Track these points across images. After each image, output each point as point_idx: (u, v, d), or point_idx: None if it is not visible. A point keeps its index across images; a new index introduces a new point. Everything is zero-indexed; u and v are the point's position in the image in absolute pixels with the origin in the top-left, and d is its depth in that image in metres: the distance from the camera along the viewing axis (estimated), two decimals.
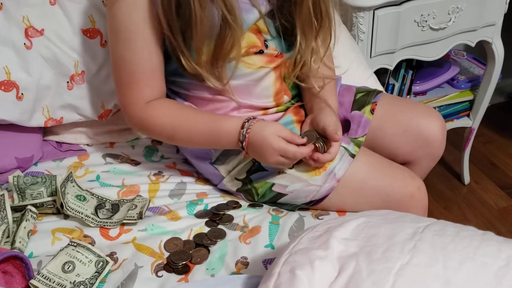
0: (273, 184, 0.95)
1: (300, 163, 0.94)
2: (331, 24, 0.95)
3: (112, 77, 0.95)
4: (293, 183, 0.94)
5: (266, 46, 0.93)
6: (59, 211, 0.91)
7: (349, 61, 1.22)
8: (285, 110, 1.01)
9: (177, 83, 0.97)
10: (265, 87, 0.97)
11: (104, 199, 0.93)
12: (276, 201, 0.98)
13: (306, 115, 1.01)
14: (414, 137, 1.04)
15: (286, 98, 1.01)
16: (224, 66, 0.88)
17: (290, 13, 0.91)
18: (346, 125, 1.02)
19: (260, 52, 0.92)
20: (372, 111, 1.02)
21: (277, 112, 1.00)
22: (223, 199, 0.99)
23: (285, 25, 0.92)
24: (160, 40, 0.88)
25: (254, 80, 0.95)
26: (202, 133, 0.91)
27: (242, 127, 0.88)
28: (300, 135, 0.97)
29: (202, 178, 1.06)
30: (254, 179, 0.96)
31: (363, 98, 1.04)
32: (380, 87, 1.20)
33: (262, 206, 0.98)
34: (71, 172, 0.93)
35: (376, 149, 1.04)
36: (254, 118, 0.89)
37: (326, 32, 0.95)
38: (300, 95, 1.04)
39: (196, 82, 0.93)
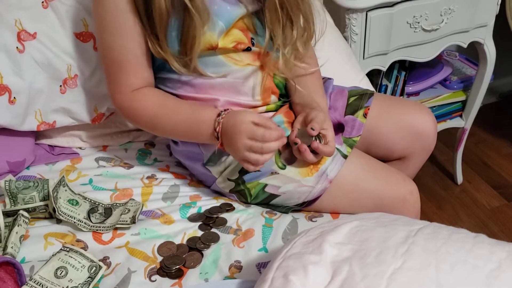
0: (265, 185, 0.95)
1: (293, 162, 0.94)
2: (307, 18, 0.95)
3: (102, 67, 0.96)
4: (286, 184, 0.94)
5: (253, 44, 0.94)
6: (52, 215, 0.91)
7: (341, 64, 1.22)
8: (276, 109, 1.01)
9: (162, 80, 0.97)
10: (252, 86, 0.97)
11: (96, 203, 0.93)
12: (269, 202, 0.98)
13: (295, 116, 1.00)
14: (409, 131, 1.07)
15: (273, 97, 1.01)
16: (193, 59, 0.89)
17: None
18: (340, 128, 1.02)
19: (248, 49, 0.93)
20: (365, 115, 1.03)
21: (267, 111, 1.00)
22: (216, 202, 0.99)
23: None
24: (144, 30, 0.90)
25: (242, 77, 0.95)
26: (183, 123, 0.91)
27: (218, 115, 0.88)
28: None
29: (195, 181, 1.06)
30: (247, 180, 0.96)
31: (355, 103, 1.05)
32: (372, 90, 1.20)
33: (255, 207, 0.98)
34: (63, 176, 0.92)
35: (372, 147, 1.07)
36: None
37: (300, 25, 0.95)
38: (288, 95, 1.04)
39: (181, 79, 0.94)
